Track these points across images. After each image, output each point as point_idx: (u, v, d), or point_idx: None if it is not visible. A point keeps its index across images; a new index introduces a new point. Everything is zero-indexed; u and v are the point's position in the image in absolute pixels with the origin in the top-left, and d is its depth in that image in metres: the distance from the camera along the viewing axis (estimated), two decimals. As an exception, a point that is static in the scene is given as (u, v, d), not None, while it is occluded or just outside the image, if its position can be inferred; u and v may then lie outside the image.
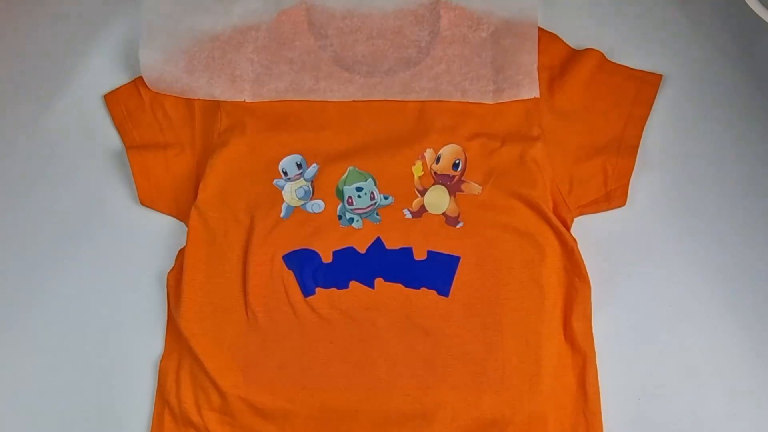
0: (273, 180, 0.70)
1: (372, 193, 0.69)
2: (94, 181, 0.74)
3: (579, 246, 0.67)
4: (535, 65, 0.70)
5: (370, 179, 0.69)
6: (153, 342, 0.69)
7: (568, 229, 0.68)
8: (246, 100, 0.72)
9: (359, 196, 0.69)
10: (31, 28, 0.80)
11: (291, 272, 0.67)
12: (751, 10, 0.56)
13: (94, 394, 0.68)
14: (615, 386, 0.65)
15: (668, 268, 0.68)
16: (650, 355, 0.66)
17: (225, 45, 0.73)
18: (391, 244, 0.67)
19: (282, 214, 0.68)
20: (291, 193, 0.69)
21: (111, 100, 0.75)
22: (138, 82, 0.74)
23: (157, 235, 0.72)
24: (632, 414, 0.65)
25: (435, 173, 0.69)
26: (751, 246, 0.68)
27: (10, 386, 0.69)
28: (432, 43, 0.72)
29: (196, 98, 0.73)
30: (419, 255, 0.67)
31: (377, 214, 0.68)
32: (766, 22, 0.57)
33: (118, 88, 0.75)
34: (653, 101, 0.71)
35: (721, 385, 0.65)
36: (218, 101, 0.72)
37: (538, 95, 0.69)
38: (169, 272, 0.70)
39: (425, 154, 0.69)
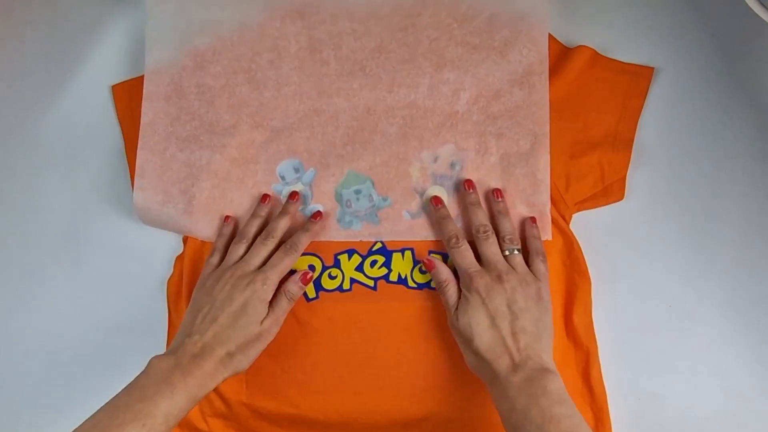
0: (271, 185, 0.69)
1: (370, 195, 0.69)
2: (94, 187, 0.74)
3: (578, 242, 0.67)
4: (548, 206, 0.67)
5: (368, 181, 0.69)
6: (155, 349, 0.69)
7: (567, 225, 0.68)
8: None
9: (357, 199, 0.68)
10: (31, 28, 0.78)
11: (292, 277, 0.67)
12: (746, 4, 0.56)
13: (96, 403, 0.68)
14: (615, 386, 0.65)
15: (668, 264, 0.68)
16: (650, 355, 0.67)
17: (224, 182, 0.70)
18: (392, 245, 0.67)
19: (282, 220, 0.68)
20: (290, 197, 0.69)
21: (118, 91, 0.75)
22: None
23: (158, 241, 0.72)
24: (633, 414, 0.65)
25: (433, 173, 0.69)
26: (750, 238, 0.67)
27: (12, 396, 0.69)
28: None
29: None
30: (420, 255, 0.67)
31: (376, 216, 0.68)
32: (758, 14, 0.57)
33: (126, 81, 0.74)
34: (646, 94, 0.70)
35: (721, 385, 0.65)
36: (214, 102, 0.70)
37: (550, 238, 0.67)
38: (169, 279, 0.70)
39: (422, 154, 0.69)
